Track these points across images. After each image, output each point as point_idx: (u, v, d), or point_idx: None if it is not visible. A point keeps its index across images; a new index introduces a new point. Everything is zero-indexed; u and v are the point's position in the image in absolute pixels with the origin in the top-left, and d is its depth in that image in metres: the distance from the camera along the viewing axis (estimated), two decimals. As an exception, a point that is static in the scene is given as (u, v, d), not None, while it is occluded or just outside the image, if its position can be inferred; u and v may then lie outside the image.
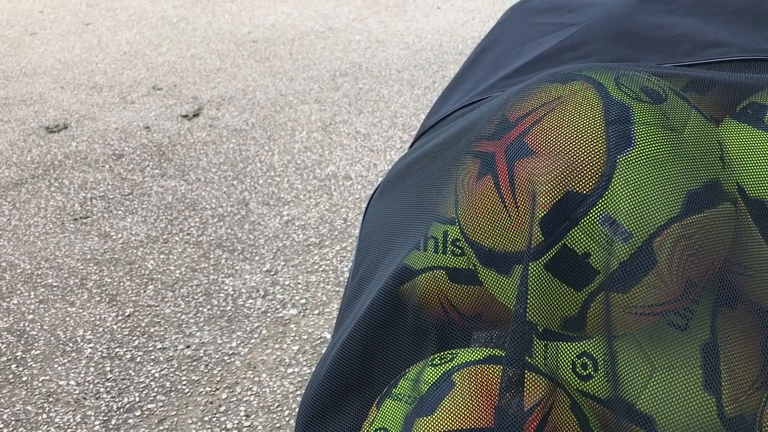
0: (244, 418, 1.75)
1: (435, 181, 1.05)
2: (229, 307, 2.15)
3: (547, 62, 1.10)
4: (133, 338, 2.05)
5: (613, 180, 0.79)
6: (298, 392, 1.81)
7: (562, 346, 0.92)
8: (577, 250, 0.80)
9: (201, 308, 2.16)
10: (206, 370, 1.92)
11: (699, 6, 1.05)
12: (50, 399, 1.86)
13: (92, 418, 1.79)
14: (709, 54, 0.98)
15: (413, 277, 1.04)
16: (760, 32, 0.99)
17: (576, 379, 0.91)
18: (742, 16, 1.02)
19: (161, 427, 1.75)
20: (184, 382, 1.88)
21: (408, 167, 1.13)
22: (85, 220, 2.69)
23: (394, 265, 1.05)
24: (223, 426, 1.75)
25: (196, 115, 3.54)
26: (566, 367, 0.92)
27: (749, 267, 0.88)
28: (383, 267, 1.08)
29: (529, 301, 0.81)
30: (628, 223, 0.79)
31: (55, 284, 2.32)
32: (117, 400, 1.84)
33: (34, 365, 1.98)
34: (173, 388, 1.86)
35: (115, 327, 2.10)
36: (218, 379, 1.89)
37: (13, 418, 1.80)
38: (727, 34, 0.99)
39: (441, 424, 0.84)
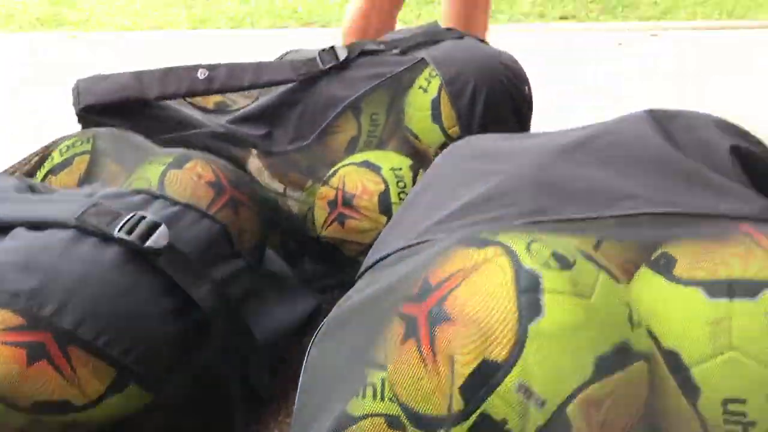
0: None
1: (371, 333, 1.08)
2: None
3: (476, 209, 1.14)
4: None
5: (526, 348, 0.83)
6: None
7: None
8: (495, 417, 0.83)
9: None
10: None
11: (614, 157, 1.12)
12: None
13: None
14: (621, 206, 1.03)
15: (353, 423, 1.06)
16: (669, 185, 1.05)
17: None
18: (655, 168, 1.08)
19: None
20: None
21: (348, 313, 1.16)
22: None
23: (335, 413, 1.07)
24: None
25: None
26: None
27: (667, 414, 0.92)
28: (324, 415, 1.10)
29: (452, 466, 0.84)
30: (541, 390, 0.82)
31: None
32: None
33: None
34: None
35: None
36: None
37: None
38: (638, 186, 1.05)
39: None
